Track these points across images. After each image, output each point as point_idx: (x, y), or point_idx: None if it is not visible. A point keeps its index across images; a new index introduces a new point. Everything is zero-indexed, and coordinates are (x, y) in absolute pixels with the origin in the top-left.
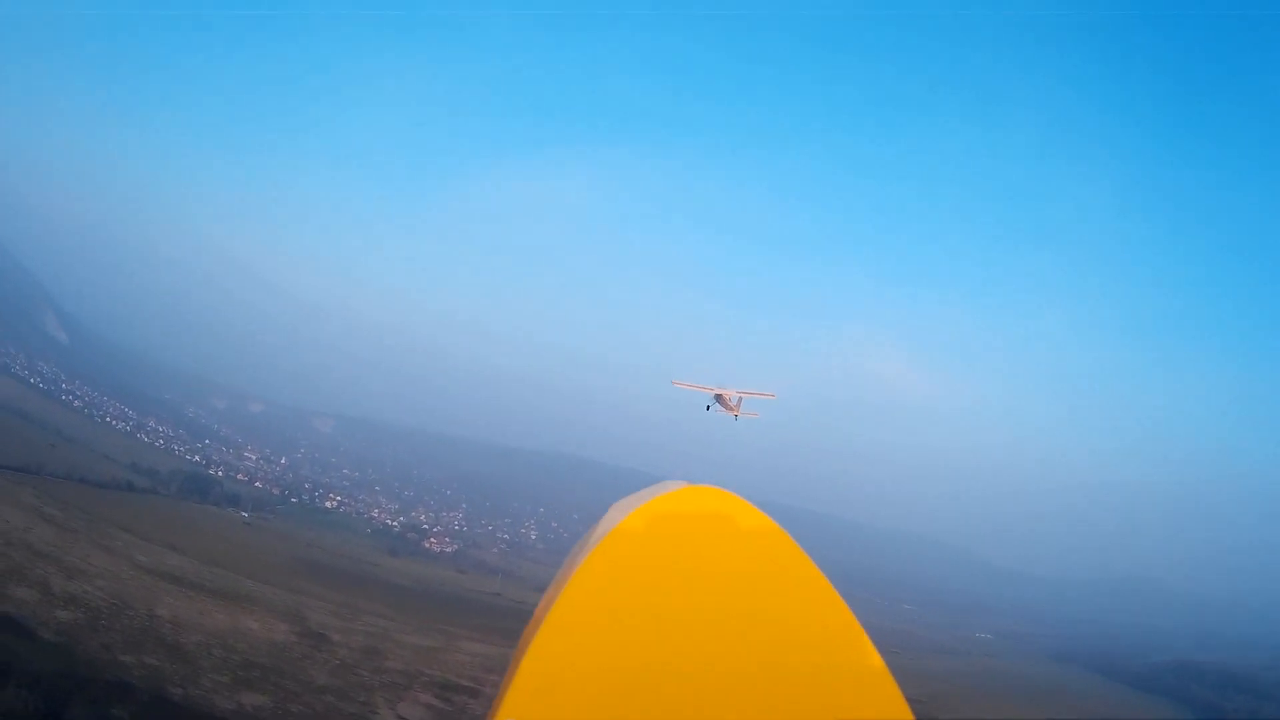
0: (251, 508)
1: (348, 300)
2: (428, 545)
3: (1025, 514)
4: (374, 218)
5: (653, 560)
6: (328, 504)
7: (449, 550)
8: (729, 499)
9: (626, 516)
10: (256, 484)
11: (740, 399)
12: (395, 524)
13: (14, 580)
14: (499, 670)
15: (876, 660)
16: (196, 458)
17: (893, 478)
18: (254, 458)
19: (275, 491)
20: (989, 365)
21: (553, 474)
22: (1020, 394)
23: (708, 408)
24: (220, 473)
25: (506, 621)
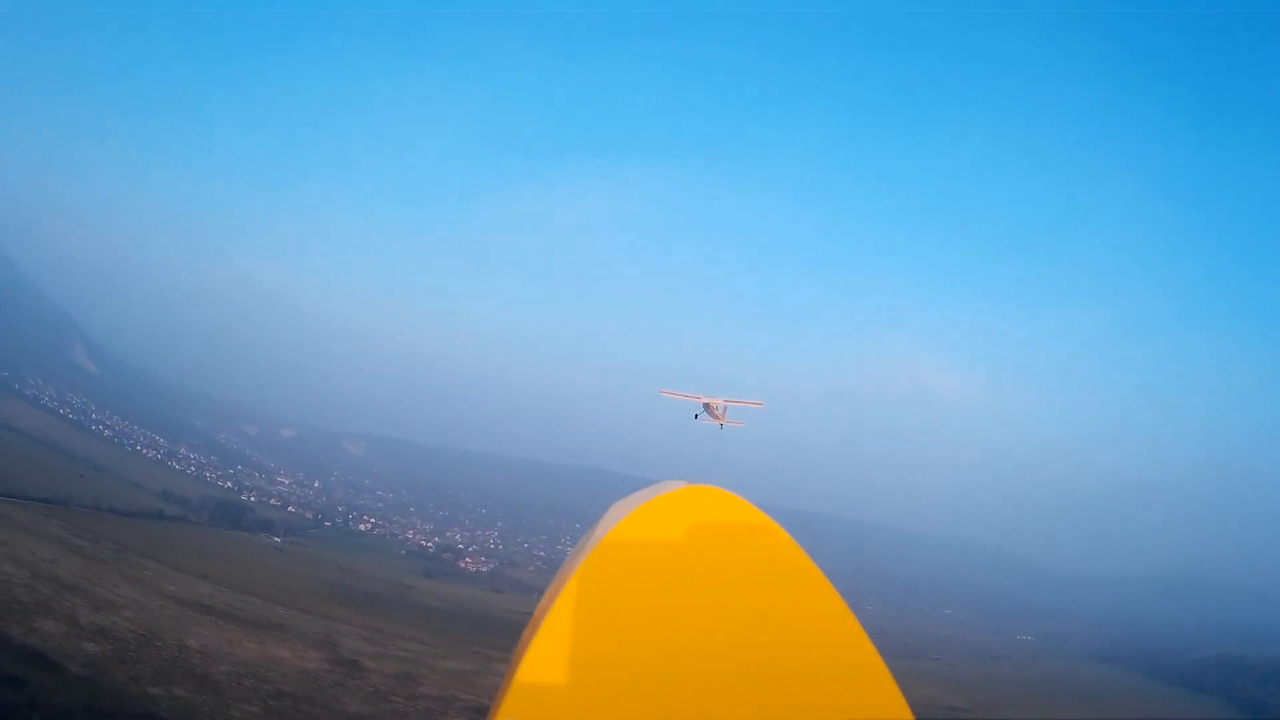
0: (284, 533)
1: (376, 322)
2: (463, 565)
3: (1064, 512)
4: (397, 239)
5: (652, 560)
6: (361, 526)
7: (485, 570)
8: (729, 499)
9: (626, 516)
10: (289, 509)
11: (725, 408)
12: (430, 544)
13: (41, 613)
14: None
15: (876, 660)
16: (228, 484)
17: (933, 482)
18: (287, 482)
19: (308, 516)
20: (1024, 365)
21: (588, 489)
22: (1056, 392)
23: (696, 416)
24: (252, 498)
25: None
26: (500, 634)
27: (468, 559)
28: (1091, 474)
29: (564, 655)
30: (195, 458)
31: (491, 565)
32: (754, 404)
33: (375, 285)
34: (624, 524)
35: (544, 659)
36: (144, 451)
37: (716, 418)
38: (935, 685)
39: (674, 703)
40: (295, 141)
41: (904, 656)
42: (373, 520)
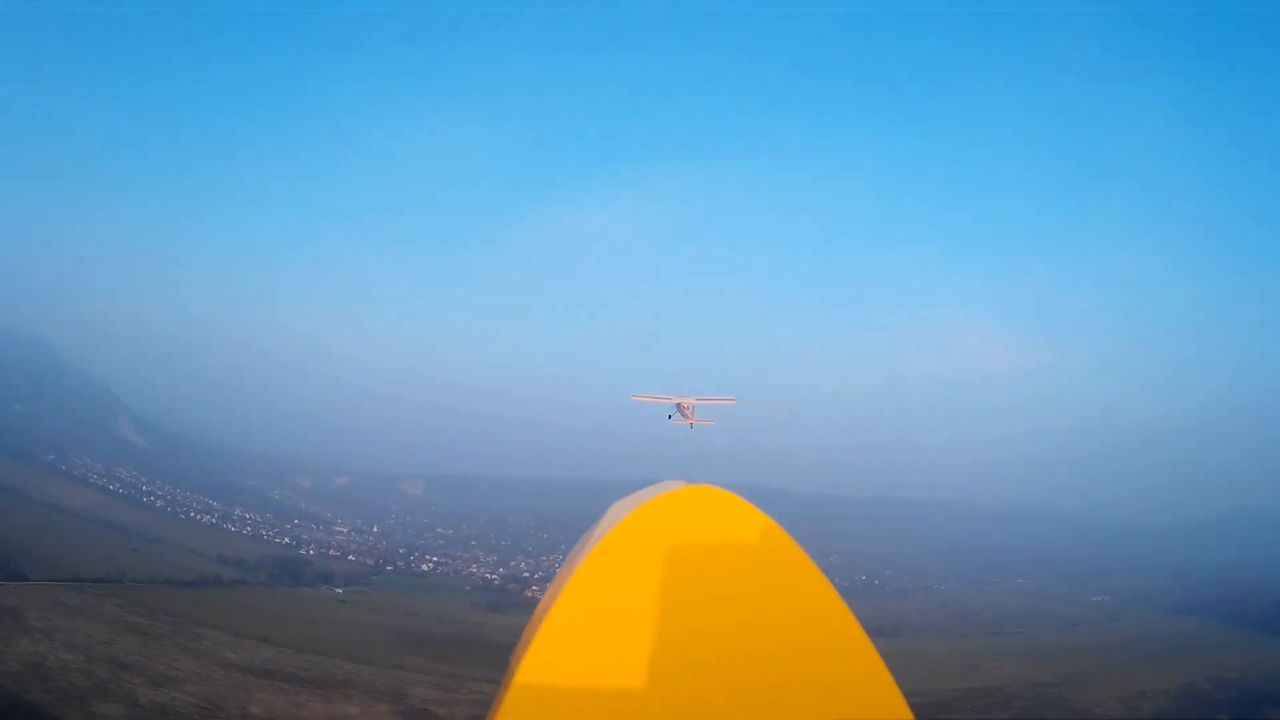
0: (345, 583)
1: (417, 360)
2: (529, 594)
3: (1120, 464)
4: (427, 274)
5: (652, 560)
6: (424, 567)
7: None
8: (728, 498)
9: (626, 516)
10: (350, 557)
11: (694, 407)
12: (495, 577)
13: (98, 697)
14: None
15: (876, 660)
16: (286, 539)
17: (990, 452)
18: (345, 530)
19: (369, 562)
20: (1076, 319)
21: None
22: (1109, 342)
23: (670, 418)
24: (311, 551)
25: None
26: None
27: (534, 587)
28: (1152, 423)
29: (564, 655)
30: (250, 517)
31: None
32: (726, 400)
33: (409, 324)
34: (624, 524)
35: (544, 659)
36: (198, 517)
37: (687, 418)
38: (1019, 661)
39: (674, 703)
40: (312, 186)
41: (985, 634)
42: (435, 559)
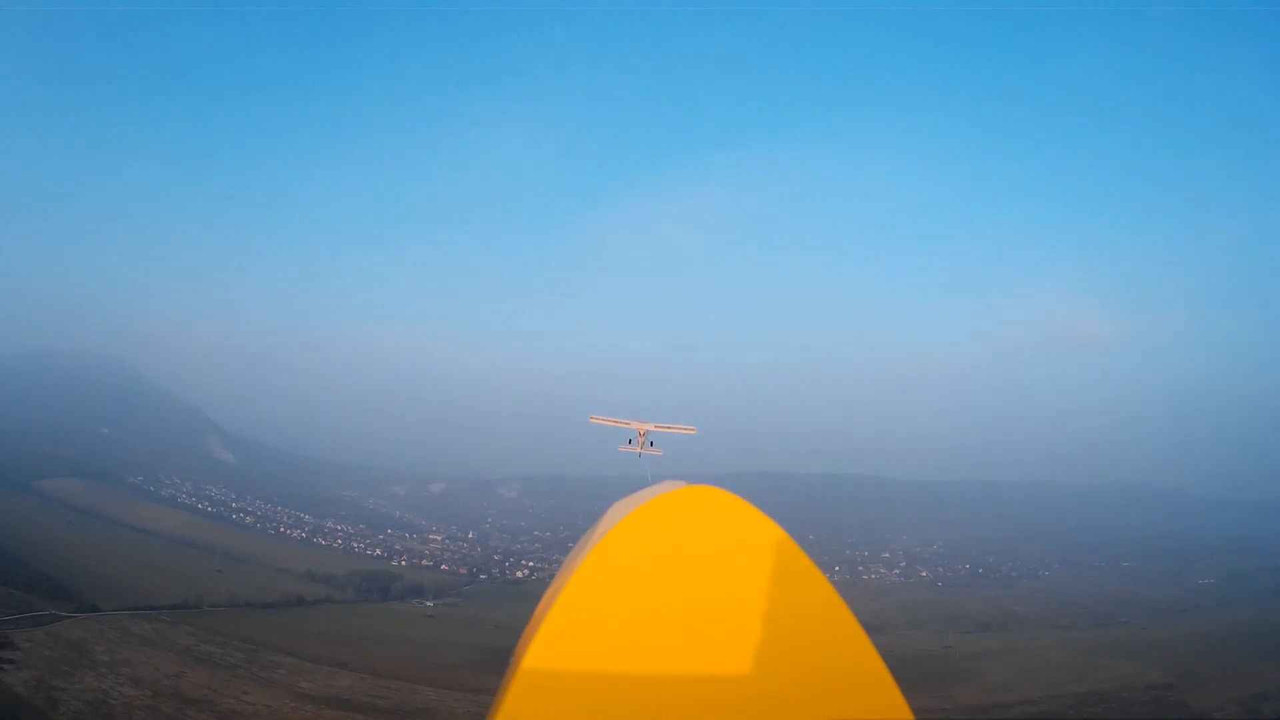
0: (436, 595)
1: (511, 366)
2: None
3: (1223, 440)
4: (512, 279)
5: (651, 560)
6: (518, 574)
7: None
8: (728, 499)
9: (625, 517)
10: (442, 567)
11: (648, 435)
12: None
13: None
14: None
15: (877, 660)
16: (377, 551)
17: (1090, 427)
18: (439, 539)
19: (462, 572)
20: (1172, 289)
21: (766, 497)
22: (1204, 312)
23: (630, 441)
24: (403, 562)
25: None
26: None
27: None
28: (1236, 394)
29: (564, 655)
30: (342, 529)
31: None
32: (685, 429)
33: (495, 330)
34: (623, 524)
35: (544, 659)
36: (288, 532)
37: (639, 446)
38: (1132, 659)
39: (673, 703)
40: (394, 196)
41: (1093, 625)
42: (530, 564)
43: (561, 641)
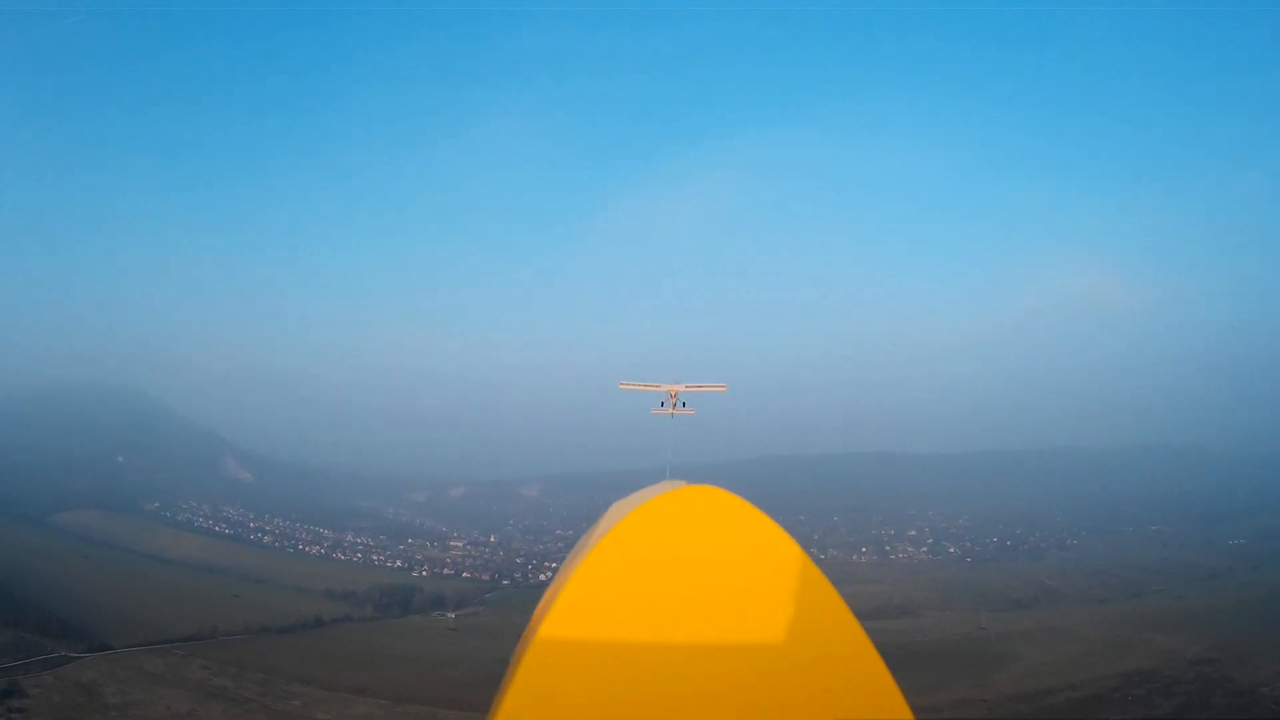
0: (458, 605)
1: (526, 363)
2: None
3: (1245, 395)
4: (521, 277)
5: (651, 560)
6: (542, 576)
7: None
8: (728, 498)
9: (625, 516)
10: (464, 574)
11: (677, 396)
12: None
13: None
14: None
15: (877, 660)
16: (398, 562)
17: (1110, 390)
18: (460, 545)
19: (484, 578)
20: (1187, 248)
21: (788, 482)
22: (1219, 270)
23: (661, 405)
24: (424, 572)
25: None
26: None
27: None
28: (1251, 348)
29: (564, 655)
30: (362, 542)
31: None
32: (716, 388)
33: (506, 329)
34: (623, 524)
35: (544, 659)
36: (307, 549)
37: (670, 407)
38: (1170, 631)
39: (673, 703)
40: (403, 202)
41: (1128, 595)
42: (553, 566)
43: (561, 641)
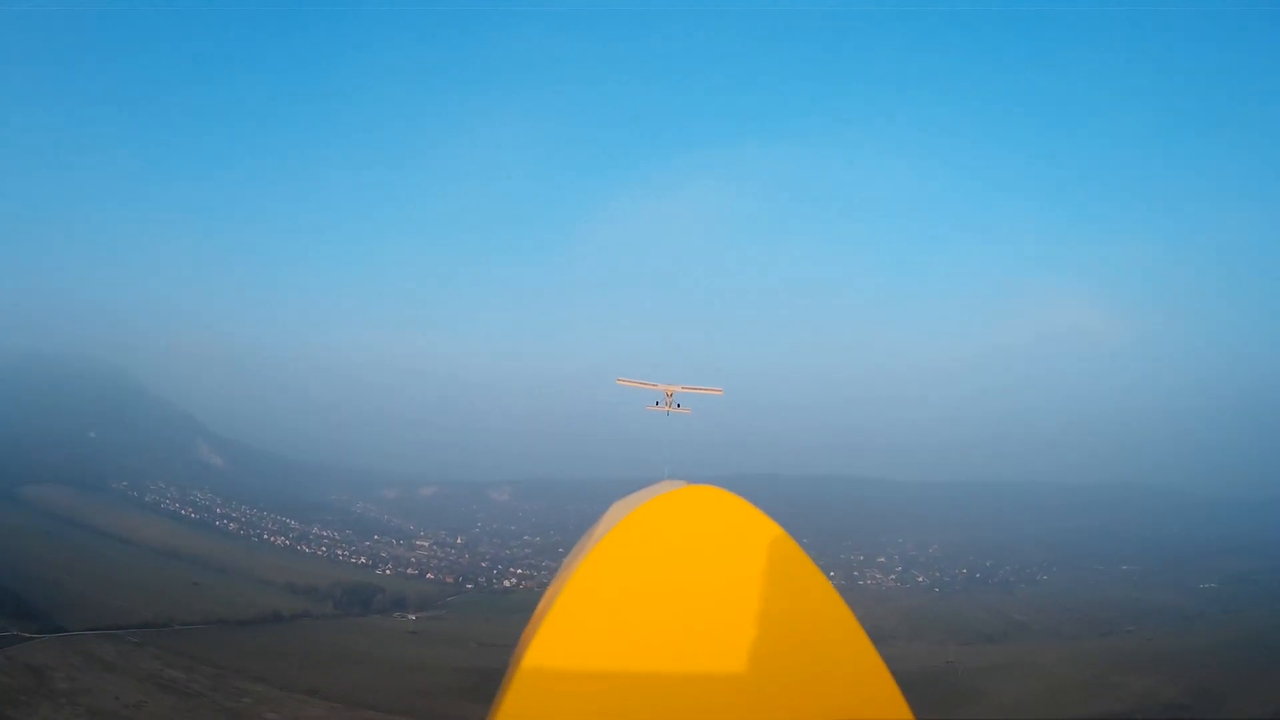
0: (420, 607)
1: (504, 367)
2: None
3: (1223, 437)
4: (505, 281)
5: (652, 560)
6: (506, 583)
7: None
8: (728, 498)
9: (625, 516)
10: (428, 575)
11: (672, 396)
12: None
13: None
14: None
15: (876, 660)
16: (363, 559)
17: (1087, 427)
18: (426, 545)
19: (448, 580)
20: (1168, 288)
21: (761, 501)
22: (1201, 310)
23: (656, 404)
24: (388, 570)
25: None
26: None
27: None
28: (1229, 393)
29: (564, 655)
30: (328, 535)
31: None
32: (712, 390)
33: (488, 332)
34: (623, 524)
35: (544, 659)
36: (273, 540)
37: (666, 406)
38: (1143, 673)
39: (674, 703)
40: (384, 199)
41: (1098, 635)
42: (519, 571)
43: (562, 641)
